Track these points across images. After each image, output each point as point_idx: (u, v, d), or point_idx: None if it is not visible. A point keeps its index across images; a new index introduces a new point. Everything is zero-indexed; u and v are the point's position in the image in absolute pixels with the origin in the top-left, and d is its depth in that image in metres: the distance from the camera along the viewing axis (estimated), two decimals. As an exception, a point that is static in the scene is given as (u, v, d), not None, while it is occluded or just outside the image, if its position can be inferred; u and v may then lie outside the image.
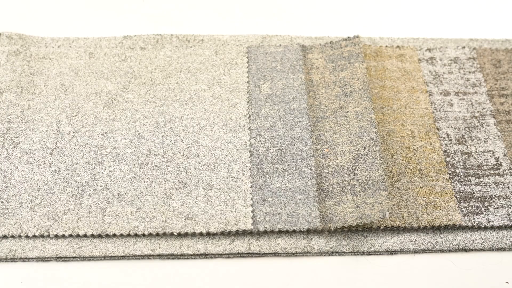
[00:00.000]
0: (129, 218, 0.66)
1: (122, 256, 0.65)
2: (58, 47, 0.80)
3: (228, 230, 0.66)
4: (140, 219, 0.66)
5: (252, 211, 0.68)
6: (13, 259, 0.64)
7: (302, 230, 0.66)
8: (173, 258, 0.65)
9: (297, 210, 0.68)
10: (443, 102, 0.79)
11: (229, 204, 0.68)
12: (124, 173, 0.70)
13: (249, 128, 0.74)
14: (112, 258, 0.65)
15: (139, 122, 0.74)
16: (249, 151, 0.72)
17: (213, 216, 0.67)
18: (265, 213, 0.68)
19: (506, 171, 0.73)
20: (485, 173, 0.73)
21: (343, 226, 0.66)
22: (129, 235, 0.65)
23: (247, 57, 0.80)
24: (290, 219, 0.67)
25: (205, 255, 0.65)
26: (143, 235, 0.66)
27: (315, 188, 0.69)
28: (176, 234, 0.66)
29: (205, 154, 0.72)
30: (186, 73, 0.79)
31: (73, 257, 0.64)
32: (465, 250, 0.67)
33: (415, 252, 0.67)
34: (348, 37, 0.81)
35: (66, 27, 0.84)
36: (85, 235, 0.65)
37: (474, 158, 0.74)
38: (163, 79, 0.78)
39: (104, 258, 0.65)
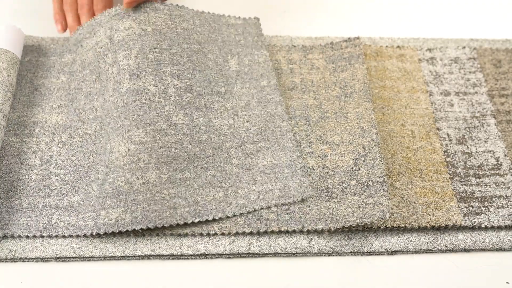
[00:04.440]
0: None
1: (122, 256, 0.65)
2: (58, 47, 0.80)
3: (219, 215, 0.66)
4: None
5: (246, 193, 0.68)
6: (13, 259, 0.64)
7: (296, 201, 0.67)
8: (173, 258, 0.65)
9: (287, 183, 0.68)
10: (444, 102, 0.79)
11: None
12: None
13: (225, 107, 0.74)
14: (112, 258, 0.65)
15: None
16: (230, 132, 0.72)
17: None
18: (258, 192, 0.68)
19: (507, 171, 0.73)
20: (486, 173, 0.73)
21: (343, 227, 0.66)
22: (128, 235, 0.65)
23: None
24: (282, 193, 0.68)
25: (205, 255, 0.65)
26: (143, 235, 0.65)
27: (301, 160, 0.70)
28: (176, 234, 0.66)
29: None
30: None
31: (73, 257, 0.64)
32: (465, 250, 0.67)
33: (415, 252, 0.67)
34: (349, 38, 0.81)
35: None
36: (85, 235, 0.65)
37: (474, 158, 0.74)
38: None
39: (104, 258, 0.65)
